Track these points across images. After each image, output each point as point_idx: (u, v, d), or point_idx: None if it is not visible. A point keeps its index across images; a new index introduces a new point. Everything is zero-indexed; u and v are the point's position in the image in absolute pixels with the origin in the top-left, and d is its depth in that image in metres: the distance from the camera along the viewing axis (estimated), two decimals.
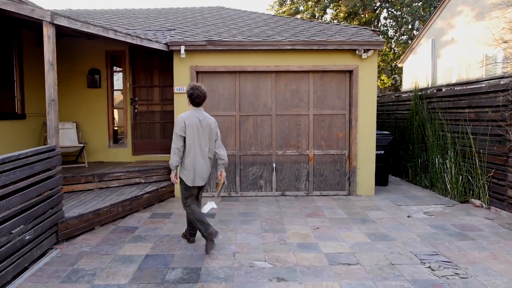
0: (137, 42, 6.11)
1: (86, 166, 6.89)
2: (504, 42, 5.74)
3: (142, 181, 6.59)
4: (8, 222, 3.44)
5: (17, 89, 6.70)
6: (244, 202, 6.40)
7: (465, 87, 6.55)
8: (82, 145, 7.09)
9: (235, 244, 4.40)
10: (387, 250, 4.21)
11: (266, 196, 6.85)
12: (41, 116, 7.12)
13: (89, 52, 7.80)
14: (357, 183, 6.82)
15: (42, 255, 4.04)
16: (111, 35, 5.51)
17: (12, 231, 3.54)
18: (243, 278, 3.54)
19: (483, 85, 6.08)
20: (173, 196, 6.73)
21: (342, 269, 3.73)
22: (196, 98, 4.18)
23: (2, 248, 3.33)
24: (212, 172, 5.05)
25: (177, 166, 4.19)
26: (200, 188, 4.41)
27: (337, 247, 4.32)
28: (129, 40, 5.92)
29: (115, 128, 8.06)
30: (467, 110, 6.39)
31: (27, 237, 3.72)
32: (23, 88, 6.80)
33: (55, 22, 4.48)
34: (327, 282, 3.45)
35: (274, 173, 6.90)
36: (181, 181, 4.25)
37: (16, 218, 3.57)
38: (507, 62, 6.10)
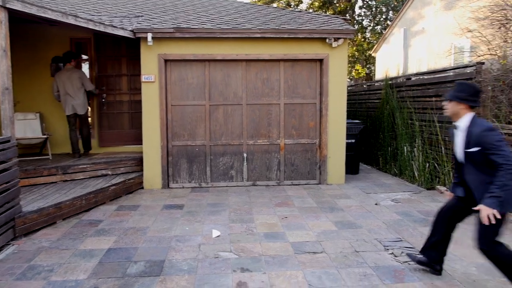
0: (101, 28, 5.87)
1: (50, 158, 6.64)
2: (469, 32, 5.83)
3: (109, 173, 6.41)
4: None
5: None
6: (214, 193, 6.33)
7: (432, 76, 6.64)
8: (45, 136, 6.83)
9: (202, 236, 4.34)
10: (352, 238, 4.24)
11: (237, 186, 6.80)
12: None
13: (52, 39, 7.48)
14: (328, 172, 6.86)
15: None
16: (71, 20, 5.27)
17: None
18: (207, 269, 3.50)
19: (450, 73, 6.19)
20: (142, 187, 6.59)
21: (307, 258, 3.73)
22: (65, 60, 6.76)
23: None
24: None
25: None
26: (77, 117, 6.78)
27: (303, 236, 4.33)
28: (91, 26, 5.68)
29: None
30: (434, 99, 6.50)
31: None
32: None
33: (8, 6, 4.23)
34: (291, 271, 3.44)
35: (245, 163, 6.85)
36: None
37: None
38: (473, 51, 6.21)
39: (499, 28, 5.43)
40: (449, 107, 3.06)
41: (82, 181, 6.00)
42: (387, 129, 8.02)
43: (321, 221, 4.84)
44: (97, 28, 5.80)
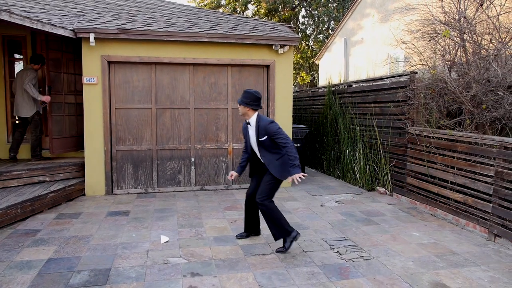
0: (38, 26, 5.53)
1: None
2: (403, 43, 6.28)
3: (47, 179, 6.04)
4: None
5: None
6: (161, 198, 6.20)
7: (371, 84, 7.06)
8: None
9: (149, 242, 4.23)
10: (300, 239, 4.34)
11: (185, 191, 6.72)
12: None
13: None
14: None
15: None
16: (4, 17, 4.92)
17: None
18: (156, 276, 3.42)
19: (387, 81, 6.62)
20: (84, 194, 6.28)
21: (257, 260, 3.79)
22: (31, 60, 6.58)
23: None
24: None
25: None
26: (23, 120, 6.55)
27: (253, 238, 4.38)
28: (27, 24, 5.34)
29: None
30: (373, 105, 6.90)
31: None
32: None
33: None
34: (241, 274, 3.48)
35: (193, 168, 6.78)
36: None
37: None
38: (407, 62, 6.69)
39: (429, 40, 5.90)
40: (240, 109, 3.93)
41: (17, 188, 5.58)
42: (331, 133, 8.37)
43: None
44: (34, 26, 5.46)
